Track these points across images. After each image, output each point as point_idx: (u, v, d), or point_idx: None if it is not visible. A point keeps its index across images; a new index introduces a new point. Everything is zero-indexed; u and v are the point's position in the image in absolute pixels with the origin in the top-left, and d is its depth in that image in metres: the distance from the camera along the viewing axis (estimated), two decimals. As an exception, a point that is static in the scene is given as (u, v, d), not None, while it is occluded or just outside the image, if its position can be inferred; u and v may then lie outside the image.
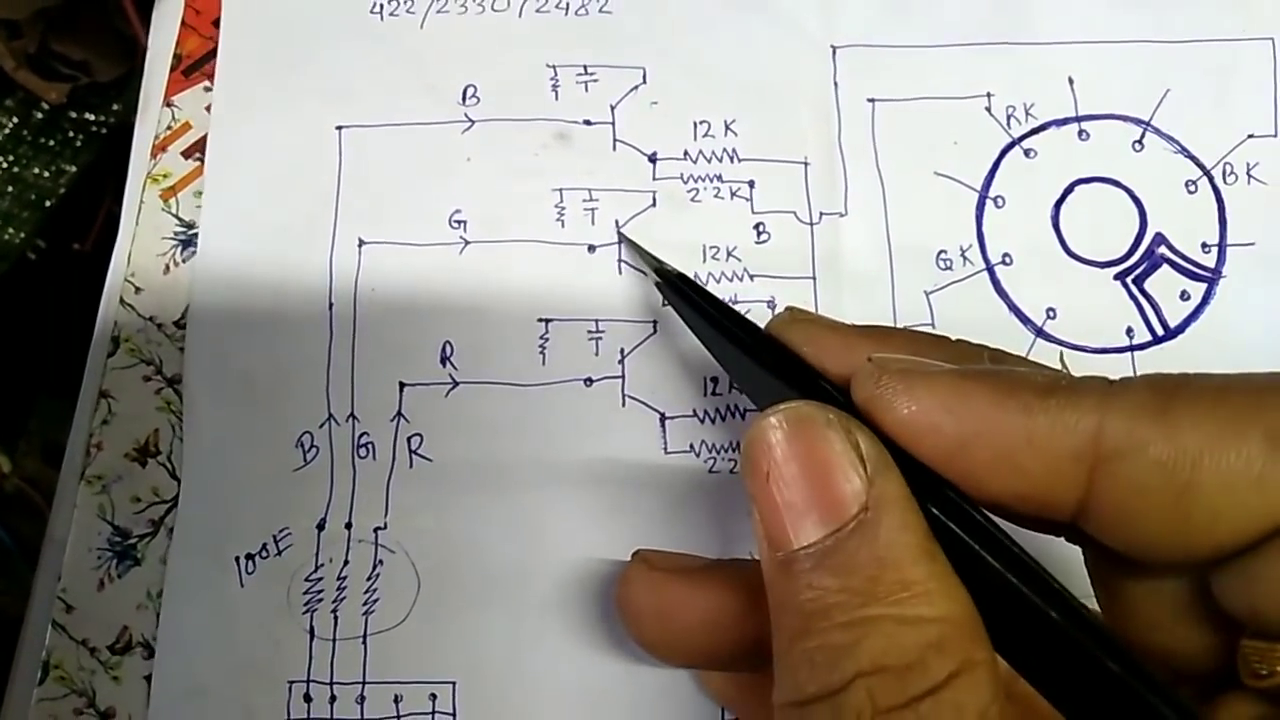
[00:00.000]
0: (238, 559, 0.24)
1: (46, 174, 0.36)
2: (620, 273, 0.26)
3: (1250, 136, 0.28)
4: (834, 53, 0.28)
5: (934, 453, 0.15)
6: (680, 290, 0.22)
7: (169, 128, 0.28)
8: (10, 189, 0.36)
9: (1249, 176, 0.28)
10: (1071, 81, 0.28)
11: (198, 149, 0.28)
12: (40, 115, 0.37)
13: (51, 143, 0.37)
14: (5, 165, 0.36)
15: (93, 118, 0.37)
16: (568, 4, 0.28)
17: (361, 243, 0.26)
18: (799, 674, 0.14)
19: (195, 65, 0.29)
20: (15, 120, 0.36)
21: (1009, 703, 0.14)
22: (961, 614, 0.14)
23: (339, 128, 0.27)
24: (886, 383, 0.16)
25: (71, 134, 0.37)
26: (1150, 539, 0.15)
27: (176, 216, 0.27)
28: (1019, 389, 0.15)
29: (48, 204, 0.36)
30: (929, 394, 0.15)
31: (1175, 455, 0.14)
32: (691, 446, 0.25)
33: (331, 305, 0.26)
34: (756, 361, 0.19)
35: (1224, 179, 0.28)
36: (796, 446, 0.15)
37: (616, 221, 0.26)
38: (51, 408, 0.36)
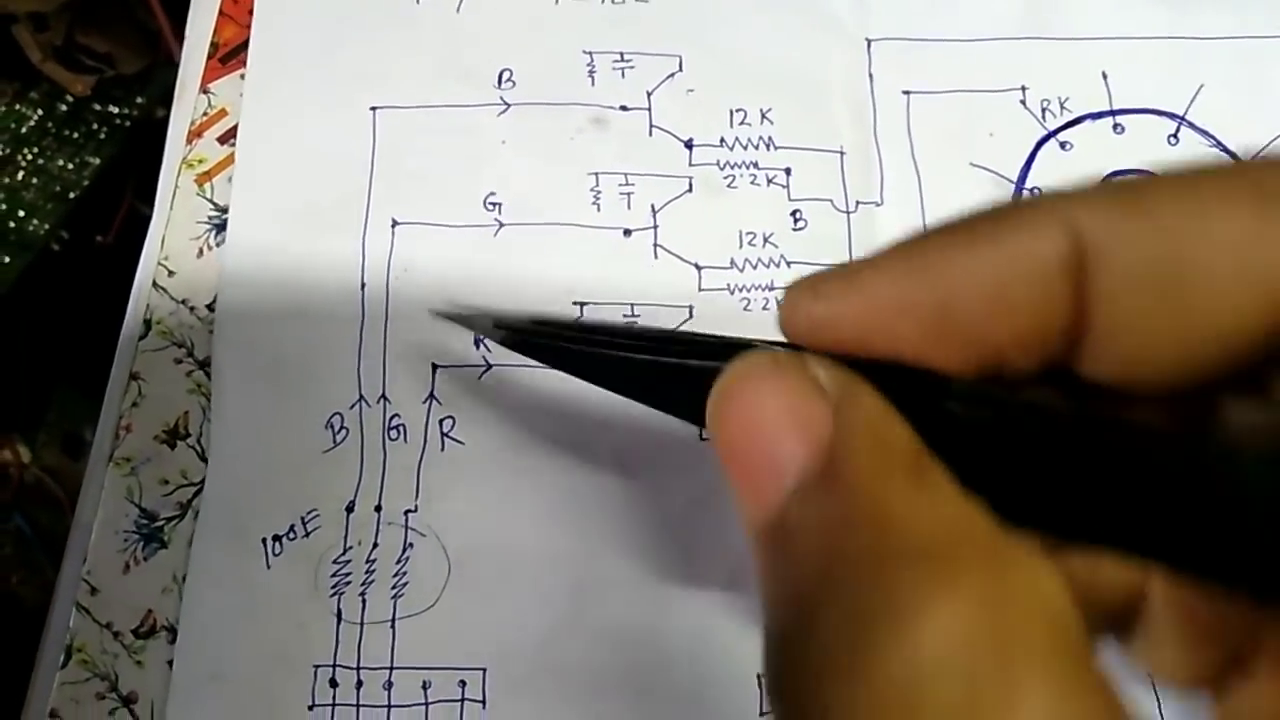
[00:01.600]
0: (264, 540, 0.23)
1: (70, 166, 0.36)
2: (656, 257, 0.25)
3: (1286, 132, 0.27)
4: (869, 45, 0.27)
5: (908, 335, 0.13)
6: (530, 334, 0.18)
7: (205, 114, 0.27)
8: (35, 180, 0.35)
9: (1286, 171, 0.26)
10: (1105, 76, 0.27)
11: (233, 135, 0.27)
12: (64, 108, 0.36)
13: (75, 135, 0.36)
14: (30, 157, 0.35)
15: (116, 110, 0.36)
16: (604, -7, 0.27)
17: (395, 224, 0.25)
18: (789, 641, 0.11)
19: (232, 53, 0.28)
20: (40, 113, 0.36)
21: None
22: (959, 533, 0.11)
23: (373, 109, 0.26)
24: (824, 288, 0.13)
25: (95, 126, 0.36)
26: (1151, 348, 0.12)
27: (211, 201, 0.26)
28: (974, 226, 0.13)
29: (71, 196, 0.35)
30: (880, 276, 0.13)
31: (1161, 239, 0.12)
32: (726, 434, 0.24)
33: (364, 286, 0.25)
34: (680, 357, 0.15)
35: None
36: (746, 403, 0.12)
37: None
38: (71, 399, 0.35)
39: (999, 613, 0.10)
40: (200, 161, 0.27)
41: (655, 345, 0.15)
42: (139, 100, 0.37)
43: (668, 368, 0.15)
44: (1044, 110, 0.27)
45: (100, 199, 0.36)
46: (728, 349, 0.14)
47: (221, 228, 0.26)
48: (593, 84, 0.26)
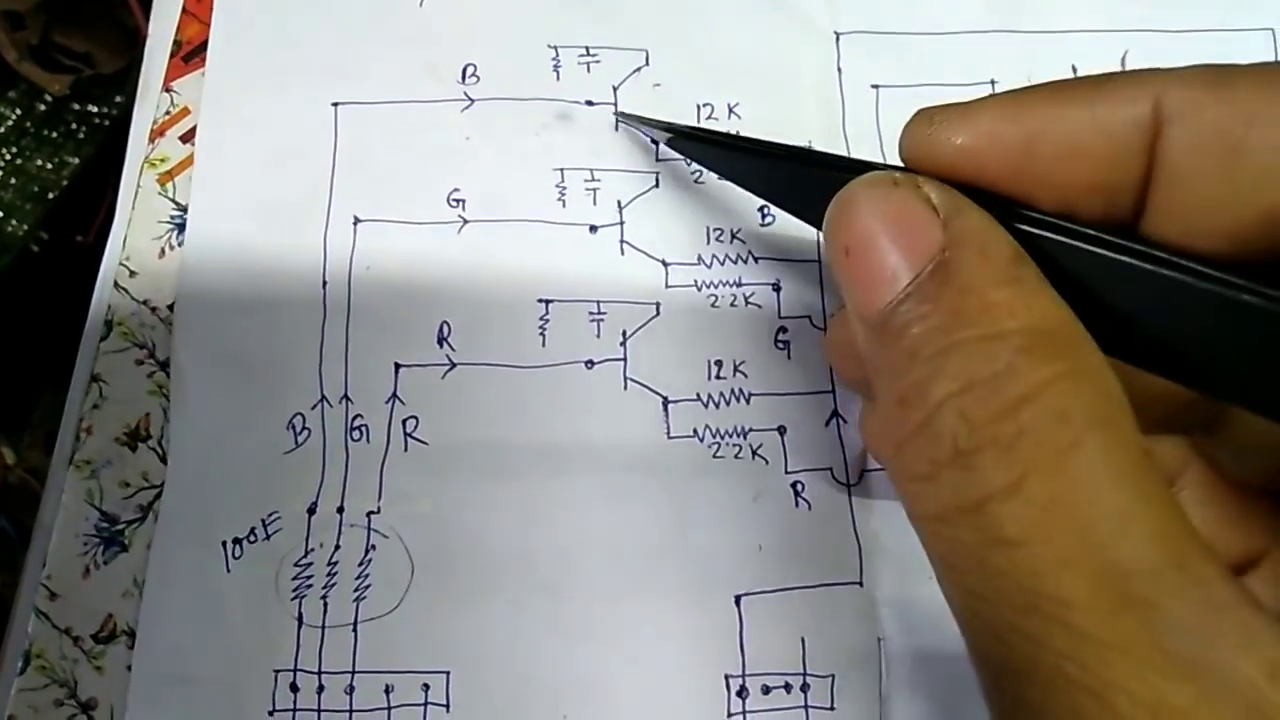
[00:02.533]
0: (224, 543, 0.22)
1: (49, 166, 0.35)
2: (623, 253, 0.24)
3: (1255, 124, 0.26)
4: (838, 39, 0.26)
5: (1000, 168, 0.15)
6: (699, 138, 0.21)
7: (167, 113, 0.26)
8: (13, 181, 0.34)
9: (1255, 163, 0.26)
10: (1075, 70, 0.27)
11: (195, 134, 0.26)
12: (43, 107, 0.35)
13: (54, 135, 0.35)
14: (8, 157, 0.35)
15: (95, 110, 0.35)
16: (570, -13, 0.27)
17: (357, 220, 0.24)
18: (893, 422, 0.14)
19: (194, 51, 0.27)
20: (18, 112, 0.35)
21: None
22: (1053, 322, 0.13)
23: (335, 105, 0.25)
24: (939, 118, 0.15)
25: (74, 126, 0.35)
26: (1207, 214, 0.14)
27: (173, 201, 0.26)
28: (1076, 86, 0.15)
29: (50, 196, 0.34)
30: (984, 114, 0.15)
31: (1229, 116, 0.13)
32: (695, 431, 0.23)
33: (325, 284, 0.24)
34: (808, 165, 0.18)
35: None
36: (866, 213, 0.15)
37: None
38: (54, 399, 0.34)
39: (1078, 385, 0.12)
40: (162, 160, 0.26)
41: (796, 156, 0.19)
42: (118, 99, 0.36)
43: (803, 176, 0.18)
44: (1013, 104, 0.26)
45: (79, 199, 0.35)
46: (855, 167, 0.16)
47: (184, 228, 0.25)
48: (558, 79, 0.25)
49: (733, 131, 0.25)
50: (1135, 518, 0.12)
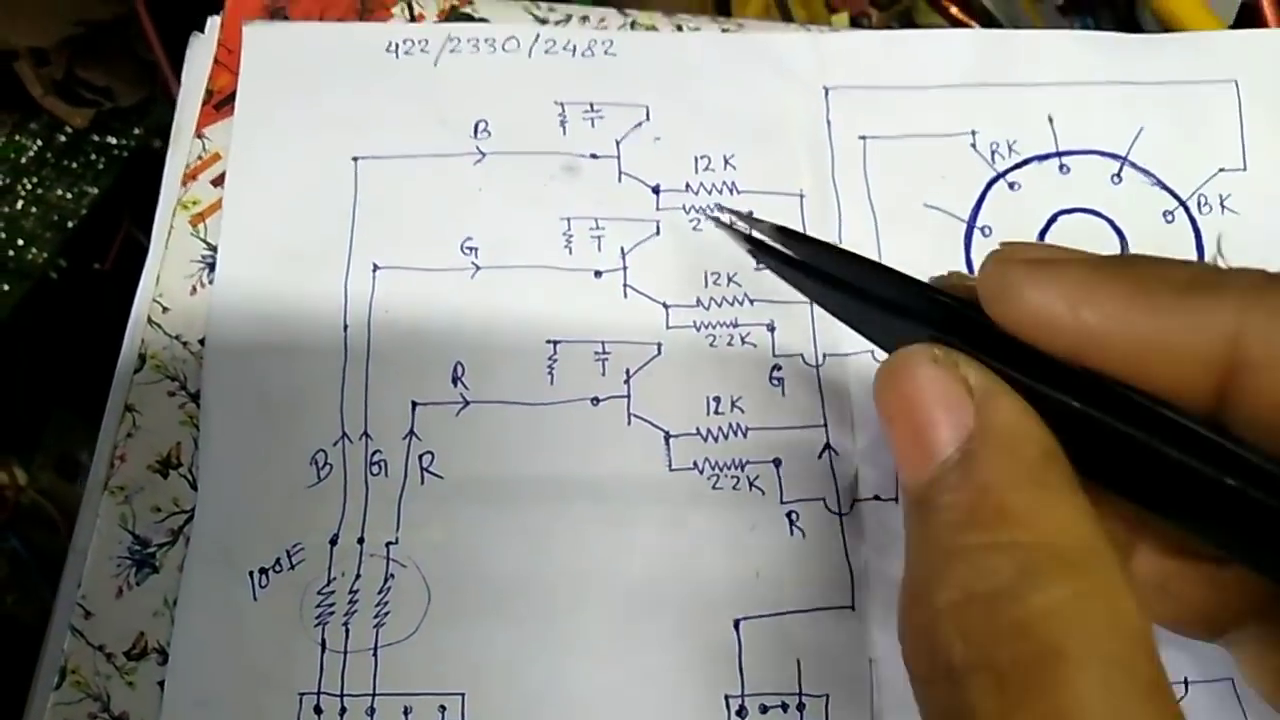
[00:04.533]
0: (251, 573, 0.23)
1: (69, 196, 0.35)
2: (626, 296, 0.25)
3: (1221, 170, 0.27)
4: (826, 93, 0.27)
5: (1057, 349, 0.14)
6: (776, 252, 0.20)
7: (199, 157, 0.27)
8: (34, 210, 0.35)
9: (1222, 207, 0.27)
10: (1051, 120, 0.27)
11: (225, 180, 0.27)
12: (64, 138, 0.35)
13: (74, 165, 0.35)
14: (29, 187, 0.35)
15: (114, 141, 0.36)
16: (575, 45, 0.27)
17: (376, 268, 0.25)
18: (901, 610, 0.13)
19: (226, 100, 0.28)
20: (39, 143, 0.35)
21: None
22: (1070, 538, 0.12)
23: (355, 159, 0.26)
24: (1010, 273, 0.14)
25: (94, 157, 0.36)
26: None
27: (204, 241, 0.26)
28: (1154, 285, 0.13)
29: (70, 225, 0.34)
30: (1054, 285, 0.13)
31: None
32: (695, 464, 0.24)
33: (346, 327, 0.24)
34: (867, 300, 0.17)
35: (1199, 209, 0.27)
36: (898, 392, 0.14)
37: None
38: (67, 421, 0.34)
39: (1082, 614, 0.11)
40: (194, 203, 0.27)
41: (862, 280, 0.18)
42: (136, 131, 0.36)
43: (863, 311, 0.17)
44: (993, 153, 0.27)
45: (97, 228, 0.35)
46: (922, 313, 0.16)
47: (214, 267, 0.26)
48: (564, 133, 0.26)
49: (729, 183, 0.26)
50: None
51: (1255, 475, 0.12)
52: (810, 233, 0.26)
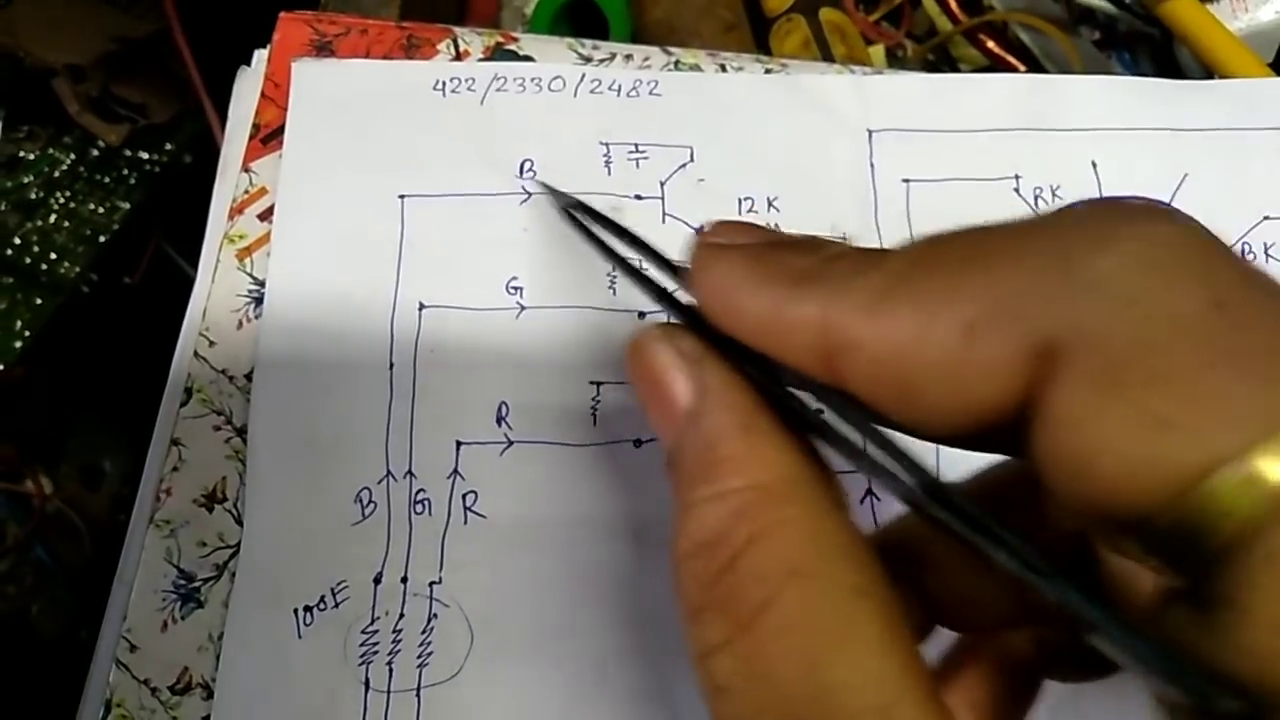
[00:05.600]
0: (296, 611, 0.22)
1: (101, 210, 0.35)
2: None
3: (1266, 218, 0.26)
4: (870, 136, 0.27)
5: (741, 328, 0.14)
6: (578, 219, 0.22)
7: (246, 192, 0.27)
8: (66, 224, 0.35)
9: (1266, 255, 0.26)
10: (1095, 165, 0.27)
11: (272, 213, 0.27)
12: (96, 153, 0.35)
13: (107, 180, 0.35)
14: (62, 201, 0.35)
15: (146, 156, 0.36)
16: (620, 86, 0.27)
17: (422, 306, 0.25)
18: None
19: (272, 134, 0.28)
20: (73, 157, 0.35)
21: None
22: (774, 476, 0.13)
23: (401, 196, 0.26)
24: (696, 254, 0.15)
25: (126, 172, 0.36)
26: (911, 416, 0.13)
27: (251, 275, 0.26)
28: (775, 275, 0.14)
29: (101, 239, 0.34)
30: (718, 268, 0.14)
31: (887, 348, 0.12)
32: (734, 508, 0.23)
33: (392, 366, 0.24)
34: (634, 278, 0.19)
35: (1244, 257, 0.26)
36: (638, 369, 0.15)
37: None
38: (90, 430, 0.34)
39: (782, 539, 0.12)
40: (241, 237, 0.27)
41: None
42: (168, 147, 0.36)
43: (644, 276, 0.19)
44: (1036, 198, 0.27)
45: (129, 242, 0.35)
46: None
47: (260, 301, 0.26)
48: (609, 174, 0.26)
49: (772, 225, 0.26)
50: (827, 667, 0.12)
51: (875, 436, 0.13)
52: None
